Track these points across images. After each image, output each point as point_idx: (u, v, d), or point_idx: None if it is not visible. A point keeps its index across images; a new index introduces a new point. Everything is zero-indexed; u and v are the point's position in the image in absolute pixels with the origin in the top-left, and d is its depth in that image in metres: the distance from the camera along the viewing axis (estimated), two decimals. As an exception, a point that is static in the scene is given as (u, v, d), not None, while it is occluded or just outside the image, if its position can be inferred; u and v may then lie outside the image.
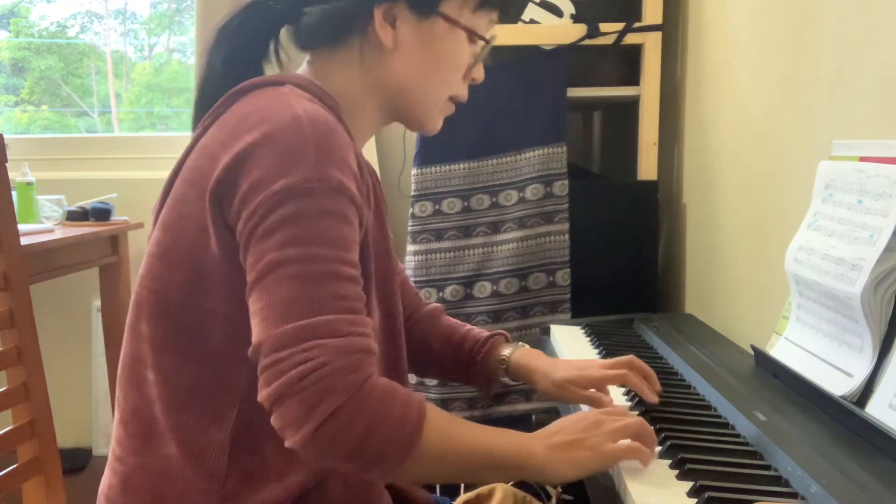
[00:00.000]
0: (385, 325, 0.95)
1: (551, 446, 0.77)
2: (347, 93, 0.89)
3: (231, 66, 0.89)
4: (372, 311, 0.86)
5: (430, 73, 0.90)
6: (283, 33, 0.92)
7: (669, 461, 0.78)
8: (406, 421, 0.71)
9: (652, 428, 0.80)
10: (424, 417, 0.72)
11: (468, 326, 1.12)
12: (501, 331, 1.10)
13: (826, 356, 0.93)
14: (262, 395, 0.69)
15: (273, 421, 0.70)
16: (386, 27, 0.86)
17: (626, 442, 0.78)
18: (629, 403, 0.98)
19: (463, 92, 0.95)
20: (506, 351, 1.06)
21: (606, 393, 0.96)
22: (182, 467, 0.80)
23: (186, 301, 0.80)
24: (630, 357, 0.97)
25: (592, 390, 0.96)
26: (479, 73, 0.95)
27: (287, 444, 0.70)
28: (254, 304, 0.73)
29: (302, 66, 0.92)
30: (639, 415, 0.92)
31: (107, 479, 0.86)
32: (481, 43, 0.92)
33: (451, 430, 0.74)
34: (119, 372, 0.86)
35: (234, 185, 0.75)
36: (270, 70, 0.93)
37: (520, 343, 1.08)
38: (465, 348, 1.09)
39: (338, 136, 0.77)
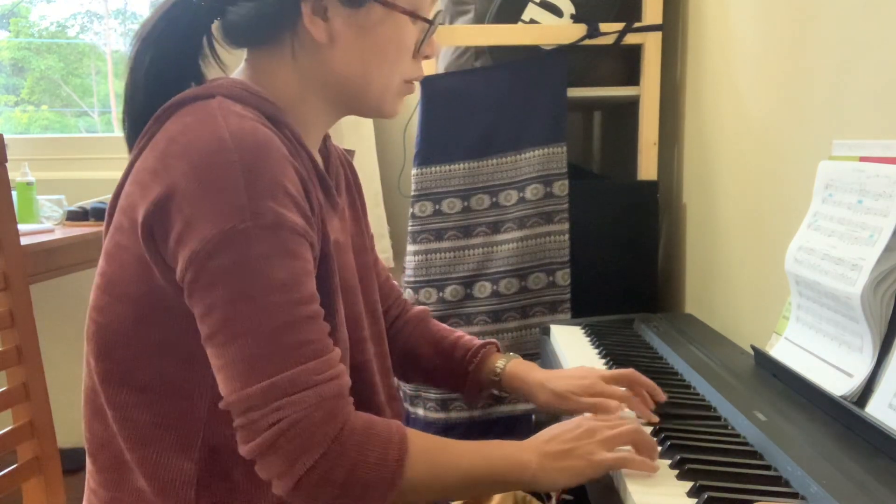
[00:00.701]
0: (371, 325, 0.94)
1: (544, 455, 0.77)
2: (287, 92, 0.84)
3: (161, 74, 0.83)
4: (340, 324, 0.83)
5: (373, 63, 0.84)
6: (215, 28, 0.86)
7: (669, 461, 0.78)
8: (385, 463, 0.72)
9: (650, 436, 0.80)
10: (405, 455, 0.73)
11: (457, 333, 1.10)
12: (492, 340, 1.08)
13: (826, 356, 0.93)
14: (243, 450, 0.71)
15: (258, 471, 0.72)
16: (316, 21, 0.81)
17: (621, 450, 0.77)
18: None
19: (417, 72, 0.89)
20: (499, 363, 1.04)
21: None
22: (153, 500, 0.79)
23: (133, 333, 0.77)
24: (630, 371, 0.96)
25: (596, 399, 0.93)
26: (432, 49, 0.89)
27: (274, 491, 0.72)
28: (213, 359, 0.72)
29: (240, 65, 0.87)
30: (639, 414, 0.93)
31: None
32: (425, 22, 0.86)
33: (434, 460, 0.75)
34: (83, 403, 0.84)
35: (167, 220, 0.71)
36: (209, 67, 0.87)
37: (511, 354, 1.07)
38: (455, 357, 1.07)
39: (268, 155, 0.72)
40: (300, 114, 0.85)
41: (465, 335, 1.10)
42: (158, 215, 0.72)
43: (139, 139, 0.80)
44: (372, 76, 0.85)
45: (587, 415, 0.90)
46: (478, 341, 1.08)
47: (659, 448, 0.81)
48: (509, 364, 1.04)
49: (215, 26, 0.86)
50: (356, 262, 0.93)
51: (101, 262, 0.80)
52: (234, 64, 0.89)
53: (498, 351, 1.08)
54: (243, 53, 0.87)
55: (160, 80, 0.82)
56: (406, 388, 1.86)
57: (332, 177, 0.91)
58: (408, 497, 0.74)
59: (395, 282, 1.13)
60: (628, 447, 0.79)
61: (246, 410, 0.70)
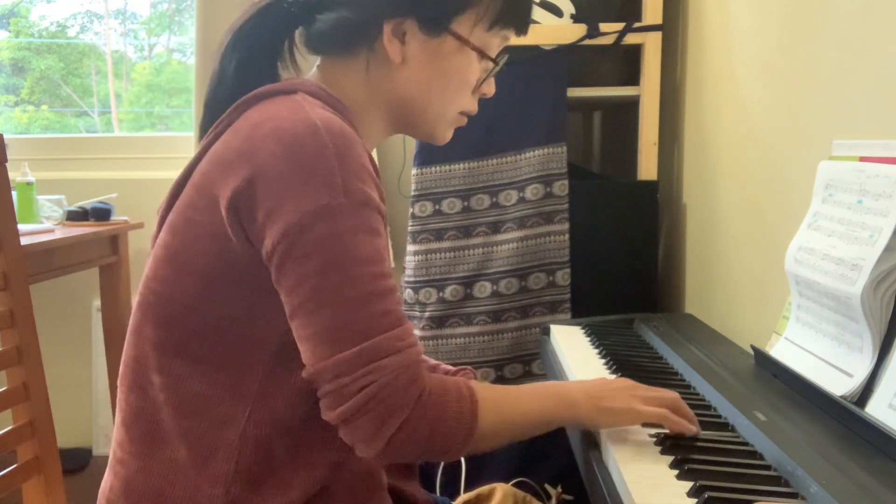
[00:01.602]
0: None
1: (589, 395, 0.84)
2: (353, 100, 0.88)
3: (245, 68, 0.89)
4: None
5: (436, 90, 0.89)
6: (297, 34, 0.92)
7: (669, 461, 0.78)
8: (462, 417, 0.77)
9: (688, 408, 0.86)
10: (477, 407, 0.78)
11: (432, 362, 1.12)
12: (468, 367, 1.11)
13: (826, 356, 0.93)
14: (330, 416, 0.75)
15: (343, 436, 0.76)
16: (394, 42, 0.86)
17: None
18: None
19: (472, 106, 0.94)
20: None
21: None
22: (187, 471, 0.80)
23: (196, 306, 0.80)
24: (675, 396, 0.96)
25: None
26: (490, 88, 0.95)
27: (358, 453, 0.76)
28: (301, 329, 0.75)
29: (312, 70, 0.92)
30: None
31: (108, 481, 0.86)
32: (490, 62, 0.92)
33: (502, 408, 0.82)
34: (121, 374, 0.86)
35: (255, 198, 0.75)
36: (284, 70, 0.93)
37: (484, 382, 1.09)
38: None
39: (355, 143, 0.77)
40: (362, 123, 0.90)
41: (441, 365, 1.12)
42: (247, 193, 0.75)
43: (215, 126, 0.84)
44: (432, 102, 0.90)
45: None
46: (452, 370, 1.10)
47: (658, 448, 0.82)
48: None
49: (298, 32, 0.91)
50: None
51: (164, 235, 0.83)
52: (306, 70, 0.94)
53: (474, 378, 1.09)
54: (315, 60, 0.92)
55: (243, 74, 0.88)
56: None
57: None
58: (481, 444, 0.80)
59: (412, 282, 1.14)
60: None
61: (336, 376, 0.73)
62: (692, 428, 0.83)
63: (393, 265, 2.45)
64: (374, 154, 2.37)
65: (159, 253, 0.82)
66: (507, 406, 0.82)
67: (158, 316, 0.81)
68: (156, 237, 0.85)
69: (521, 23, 0.94)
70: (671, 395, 0.86)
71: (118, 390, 0.87)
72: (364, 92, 0.89)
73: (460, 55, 0.88)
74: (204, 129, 0.88)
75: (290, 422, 0.81)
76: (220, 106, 0.86)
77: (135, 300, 0.86)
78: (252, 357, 0.80)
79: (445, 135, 0.95)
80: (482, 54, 0.90)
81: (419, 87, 0.89)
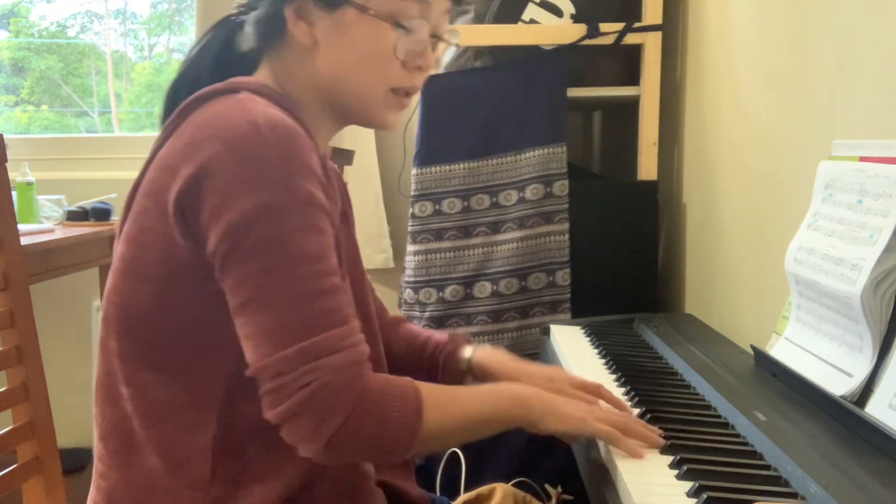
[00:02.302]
0: (363, 325, 0.95)
1: (542, 397, 0.85)
2: (293, 94, 0.87)
3: (201, 85, 0.86)
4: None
5: (352, 67, 0.85)
6: None
7: (669, 461, 0.78)
8: (406, 418, 0.76)
9: (640, 426, 0.84)
10: (422, 407, 0.77)
11: (429, 332, 1.12)
12: (463, 333, 1.11)
13: (826, 356, 0.93)
14: (271, 414, 0.73)
15: (284, 436, 0.74)
16: (300, 25, 0.84)
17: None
18: (628, 404, 0.98)
19: (405, 81, 0.87)
20: (466, 353, 1.06)
21: None
22: (165, 478, 0.80)
23: (154, 313, 0.79)
24: (598, 385, 0.97)
25: None
26: (426, 61, 0.88)
27: (301, 454, 0.75)
28: (243, 328, 0.74)
29: (258, 70, 0.90)
30: (639, 414, 0.93)
31: (92, 497, 0.86)
32: (413, 28, 0.85)
33: (446, 406, 0.80)
34: (94, 389, 0.86)
35: (199, 197, 0.74)
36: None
37: (482, 345, 1.09)
38: (426, 352, 1.09)
39: (299, 140, 0.76)
40: (308, 117, 0.87)
41: (436, 333, 1.12)
42: (191, 193, 0.75)
43: (162, 130, 0.84)
44: (352, 80, 0.86)
45: None
46: (448, 336, 1.10)
47: (662, 441, 0.82)
48: (477, 353, 1.06)
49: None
50: (348, 266, 0.94)
51: (120, 247, 0.83)
52: None
53: (468, 343, 1.10)
54: None
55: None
56: None
57: (331, 185, 0.93)
58: (427, 445, 0.79)
59: (379, 295, 1.14)
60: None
61: (276, 375, 0.72)
62: (639, 453, 0.80)
63: (392, 265, 2.45)
64: (375, 156, 2.38)
65: (117, 265, 0.82)
66: (454, 406, 0.81)
67: (120, 327, 0.81)
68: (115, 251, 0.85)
69: None
70: (622, 416, 0.85)
71: (94, 405, 0.86)
72: (294, 84, 0.87)
73: (366, 24, 0.84)
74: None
75: (263, 421, 0.78)
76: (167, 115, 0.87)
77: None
78: (216, 360, 0.79)
79: (384, 118, 0.89)
80: (390, 21, 0.84)
81: (334, 67, 0.85)
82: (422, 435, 0.77)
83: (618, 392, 1.02)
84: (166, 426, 0.80)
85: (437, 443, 0.81)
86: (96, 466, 0.86)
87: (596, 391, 0.97)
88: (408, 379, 0.80)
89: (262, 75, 0.89)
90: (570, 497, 1.56)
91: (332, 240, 0.78)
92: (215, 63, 0.89)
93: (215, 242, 0.74)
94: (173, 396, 0.80)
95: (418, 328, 1.14)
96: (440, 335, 1.11)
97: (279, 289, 0.73)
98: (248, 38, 0.88)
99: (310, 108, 0.88)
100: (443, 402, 0.80)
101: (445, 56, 0.90)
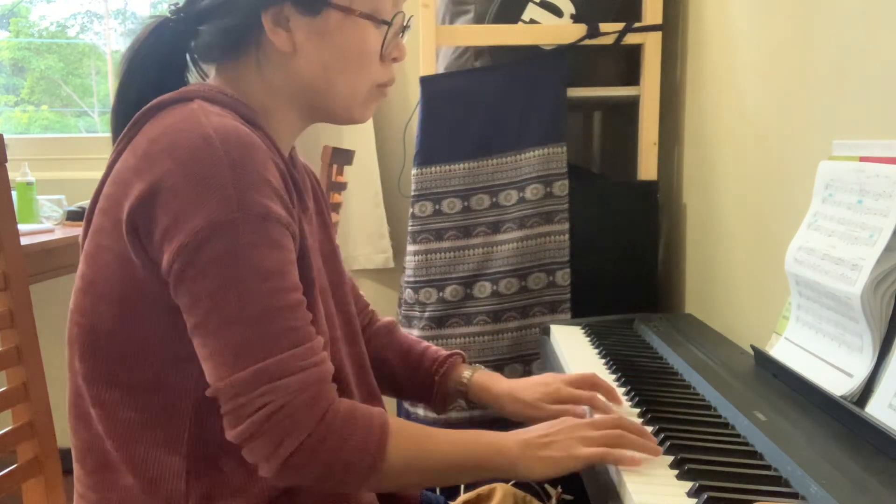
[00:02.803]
0: (343, 325, 0.94)
1: (524, 444, 0.80)
2: (256, 100, 0.85)
3: (149, 88, 0.84)
4: (319, 317, 0.84)
5: (337, 69, 0.84)
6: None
7: (669, 461, 0.78)
8: (367, 448, 0.75)
9: (636, 434, 0.81)
10: (386, 440, 0.76)
11: (424, 344, 1.11)
12: (458, 351, 1.10)
13: (826, 356, 0.93)
14: (230, 435, 0.73)
15: (244, 455, 0.74)
16: (278, 31, 0.82)
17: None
18: (628, 403, 0.98)
19: (387, 76, 0.88)
20: (465, 374, 1.06)
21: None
22: (141, 497, 0.79)
23: (116, 333, 0.78)
24: (591, 374, 0.99)
25: (564, 406, 0.97)
26: (399, 52, 0.89)
27: (261, 474, 0.74)
28: (200, 349, 0.73)
29: (211, 75, 0.88)
30: (639, 414, 0.93)
31: None
32: (394, 23, 0.86)
33: (416, 445, 0.78)
34: (68, 409, 0.85)
35: (152, 216, 0.73)
36: (195, 80, 0.89)
37: (477, 365, 1.08)
38: (422, 367, 1.08)
39: (254, 152, 0.74)
40: (271, 121, 0.86)
41: (431, 346, 1.11)
42: (143, 211, 0.73)
43: (117, 143, 0.82)
44: (337, 83, 0.85)
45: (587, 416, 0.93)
46: (444, 352, 1.09)
47: (659, 450, 0.82)
48: (475, 375, 1.06)
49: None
50: (325, 267, 0.94)
51: (81, 265, 0.81)
52: None
53: (464, 362, 1.09)
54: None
55: (148, 94, 0.83)
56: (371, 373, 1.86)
57: (297, 187, 0.92)
58: (390, 481, 0.77)
59: (363, 293, 1.13)
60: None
61: (233, 396, 0.72)
62: (636, 460, 0.77)
63: (392, 265, 2.45)
64: (374, 156, 2.37)
65: (78, 284, 0.81)
66: (424, 446, 0.78)
67: (83, 348, 0.80)
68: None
69: None
70: (614, 433, 0.80)
71: (68, 425, 0.85)
72: (263, 90, 0.85)
73: (350, 26, 0.83)
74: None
75: None
76: (121, 127, 0.84)
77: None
78: (182, 377, 0.78)
79: (363, 114, 0.89)
80: (373, 19, 0.84)
81: (318, 71, 0.84)
82: (384, 467, 0.75)
83: (618, 392, 1.02)
84: (138, 446, 0.79)
85: (401, 479, 0.78)
86: (76, 487, 0.85)
87: (590, 382, 0.98)
88: (377, 409, 0.78)
89: (217, 80, 0.86)
90: (570, 497, 1.56)
91: (293, 254, 0.76)
92: (160, 69, 0.86)
93: (169, 262, 0.72)
94: (142, 415, 0.79)
95: (412, 338, 1.13)
96: (436, 350, 1.10)
97: (232, 308, 0.71)
98: (208, 47, 0.85)
99: (273, 113, 0.86)
100: (413, 441, 0.78)
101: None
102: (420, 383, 1.08)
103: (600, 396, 0.96)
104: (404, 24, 0.89)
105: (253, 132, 0.77)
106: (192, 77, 0.90)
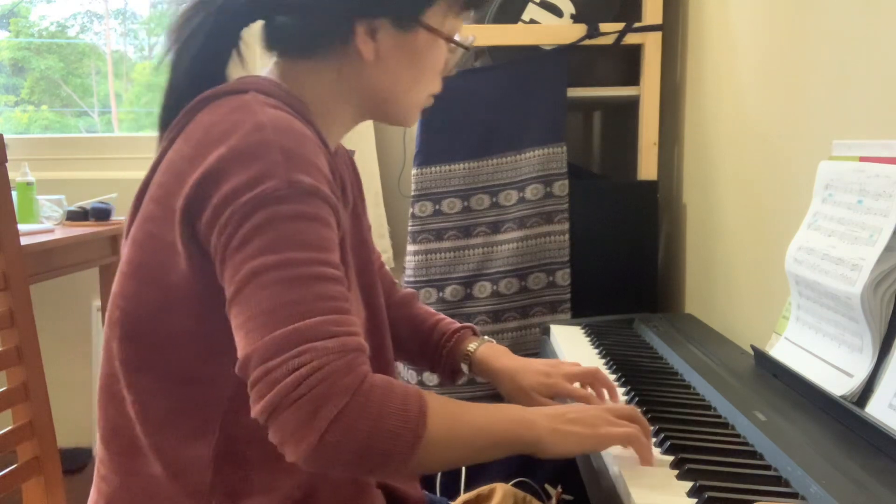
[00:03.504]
0: (369, 318, 0.95)
1: (551, 418, 0.78)
2: (318, 97, 0.86)
3: (198, 69, 0.85)
4: (355, 310, 0.84)
5: (410, 82, 0.89)
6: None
7: (669, 461, 0.78)
8: (409, 416, 0.69)
9: (648, 442, 0.80)
10: (426, 408, 0.70)
11: (439, 316, 1.12)
12: (470, 324, 1.11)
13: (826, 356, 0.93)
14: (256, 409, 0.67)
15: (271, 436, 0.68)
16: (367, 41, 0.84)
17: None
18: (627, 403, 0.98)
19: (439, 87, 0.93)
20: (471, 346, 1.07)
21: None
22: (166, 485, 0.79)
23: (158, 321, 0.78)
24: (595, 369, 0.99)
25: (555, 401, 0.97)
26: (451, 66, 0.94)
27: (288, 458, 0.68)
28: (236, 318, 0.71)
29: (269, 66, 0.89)
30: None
31: (93, 498, 0.86)
32: (465, 43, 0.91)
33: (453, 417, 0.73)
34: (98, 390, 0.85)
35: (205, 201, 0.73)
36: (233, 67, 0.89)
37: (486, 338, 1.09)
38: (432, 339, 1.09)
39: (304, 140, 0.75)
40: (325, 119, 0.88)
41: (445, 318, 1.12)
42: (197, 195, 0.74)
43: (169, 130, 0.83)
44: (407, 93, 0.89)
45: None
46: (456, 325, 1.10)
47: (658, 448, 0.82)
48: (480, 348, 1.06)
49: (250, 29, 0.88)
50: (354, 259, 0.94)
51: (127, 250, 0.81)
52: (256, 67, 0.91)
53: (475, 335, 1.10)
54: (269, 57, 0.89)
55: (195, 77, 0.85)
56: (408, 378, 1.86)
57: (339, 177, 0.93)
58: (430, 458, 0.71)
59: (388, 269, 1.14)
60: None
61: (264, 360, 0.67)
62: (652, 458, 0.78)
63: (393, 265, 2.45)
64: (374, 156, 2.38)
65: (123, 269, 0.81)
66: (459, 416, 0.74)
67: (124, 331, 0.80)
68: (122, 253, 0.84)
69: (481, 1, 0.94)
70: (631, 418, 0.80)
71: (97, 406, 0.85)
72: (334, 90, 0.87)
73: (433, 45, 0.88)
74: (161, 133, 0.87)
75: (264, 431, 0.71)
76: (175, 111, 0.84)
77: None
78: (218, 371, 0.77)
79: (416, 118, 0.94)
80: (455, 42, 0.90)
81: (392, 81, 0.88)
82: (425, 443, 0.69)
83: (617, 392, 1.02)
84: (167, 434, 0.79)
85: (440, 455, 0.73)
86: (98, 468, 0.86)
87: (592, 377, 0.99)
88: (412, 386, 0.75)
89: (274, 71, 0.88)
90: (570, 497, 1.56)
91: (335, 233, 0.76)
92: (216, 56, 0.87)
93: (216, 237, 0.72)
94: (175, 405, 0.79)
95: (428, 310, 1.14)
96: (447, 323, 1.11)
97: (271, 273, 0.69)
98: (281, 36, 0.86)
99: (330, 111, 0.88)
100: (448, 411, 0.73)
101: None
102: (429, 355, 1.10)
103: (597, 392, 0.97)
104: (468, 45, 0.93)
105: (306, 126, 0.79)
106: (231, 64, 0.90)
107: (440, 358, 1.09)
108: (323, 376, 0.66)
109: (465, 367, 1.08)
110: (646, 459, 0.78)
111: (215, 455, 0.79)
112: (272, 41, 0.88)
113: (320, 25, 0.84)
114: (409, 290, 1.16)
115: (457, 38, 0.90)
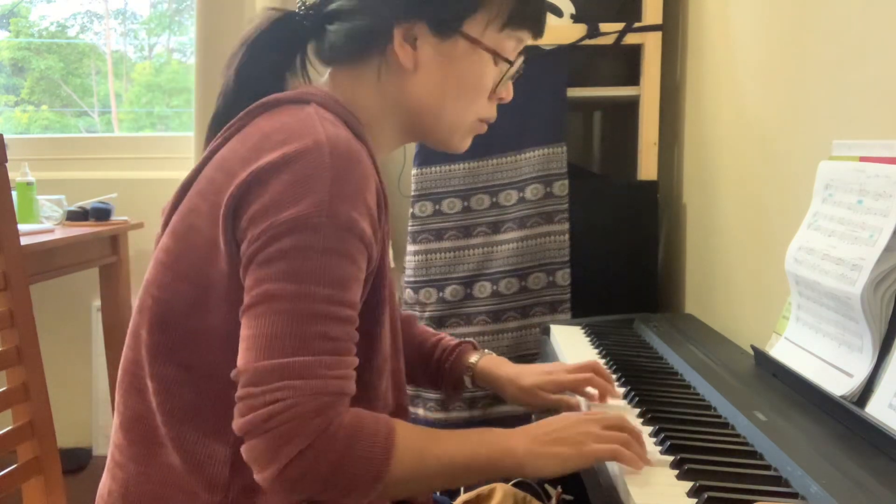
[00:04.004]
0: (392, 343, 0.95)
1: (532, 440, 0.78)
2: (366, 111, 0.87)
3: (255, 79, 0.87)
4: (384, 335, 0.85)
5: (450, 95, 0.88)
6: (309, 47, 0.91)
7: (669, 461, 0.78)
8: (371, 460, 0.72)
9: (640, 443, 0.79)
10: (392, 449, 0.73)
11: (439, 335, 1.13)
12: (470, 339, 1.12)
13: (826, 356, 0.93)
14: (235, 424, 0.71)
15: (242, 451, 0.72)
16: (405, 47, 0.85)
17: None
18: (629, 405, 0.98)
19: (490, 112, 0.92)
20: (472, 358, 1.08)
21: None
22: (184, 477, 0.80)
23: (188, 314, 0.79)
24: (594, 361, 1.02)
25: (561, 395, 0.99)
26: (507, 93, 0.93)
27: (255, 477, 0.72)
28: (242, 330, 0.73)
29: (324, 78, 0.90)
30: (639, 414, 0.93)
31: (105, 485, 0.86)
32: (513, 63, 0.89)
33: (421, 453, 0.75)
34: (120, 376, 0.86)
35: (247, 203, 0.74)
36: (293, 79, 0.91)
37: (486, 351, 1.10)
38: (434, 356, 1.10)
39: (358, 168, 0.75)
40: (374, 128, 0.88)
41: (445, 336, 1.13)
42: (243, 194, 0.75)
43: (225, 129, 0.83)
44: (447, 108, 0.88)
45: (582, 408, 0.96)
46: (456, 340, 1.11)
47: (658, 448, 0.82)
48: (482, 360, 1.08)
49: (310, 45, 0.90)
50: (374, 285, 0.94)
51: (166, 239, 0.82)
52: (316, 81, 0.92)
53: (475, 348, 1.11)
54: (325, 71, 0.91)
55: (250, 83, 0.87)
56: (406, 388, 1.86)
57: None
58: (395, 491, 0.75)
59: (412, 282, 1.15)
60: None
61: (250, 383, 0.71)
62: (643, 462, 0.77)
63: (393, 265, 2.45)
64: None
65: (160, 257, 0.82)
66: (430, 451, 0.76)
67: (154, 320, 0.81)
68: (159, 239, 0.85)
69: (535, 23, 0.91)
70: (620, 435, 0.78)
71: (117, 392, 0.86)
72: (377, 101, 0.88)
73: (473, 57, 0.87)
74: (211, 132, 0.88)
75: None
76: (229, 114, 0.85)
77: (135, 301, 0.85)
78: None
79: (463, 143, 0.93)
80: (496, 55, 0.88)
81: (432, 93, 0.87)
82: (388, 480, 0.72)
83: (615, 387, 1.03)
84: (188, 427, 0.80)
85: (406, 488, 0.76)
86: (113, 454, 0.86)
87: (591, 367, 1.00)
88: (384, 417, 0.76)
89: (331, 83, 0.89)
90: (570, 497, 1.56)
91: (362, 273, 0.76)
92: (273, 64, 0.89)
93: (248, 244, 0.74)
94: (197, 398, 0.80)
95: (428, 330, 1.15)
96: (447, 340, 1.12)
97: (285, 300, 0.71)
98: (332, 48, 0.87)
99: (379, 126, 0.88)
100: (418, 447, 0.75)
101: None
102: (431, 372, 1.11)
103: (597, 381, 0.99)
104: (519, 69, 0.92)
105: (361, 147, 0.79)
106: (291, 77, 0.92)
107: (443, 373, 1.09)
108: (292, 416, 0.70)
109: (467, 380, 1.08)
110: (636, 468, 0.77)
111: (233, 452, 0.79)
112: (323, 55, 0.89)
113: (363, 30, 0.85)
114: (409, 312, 1.16)
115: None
